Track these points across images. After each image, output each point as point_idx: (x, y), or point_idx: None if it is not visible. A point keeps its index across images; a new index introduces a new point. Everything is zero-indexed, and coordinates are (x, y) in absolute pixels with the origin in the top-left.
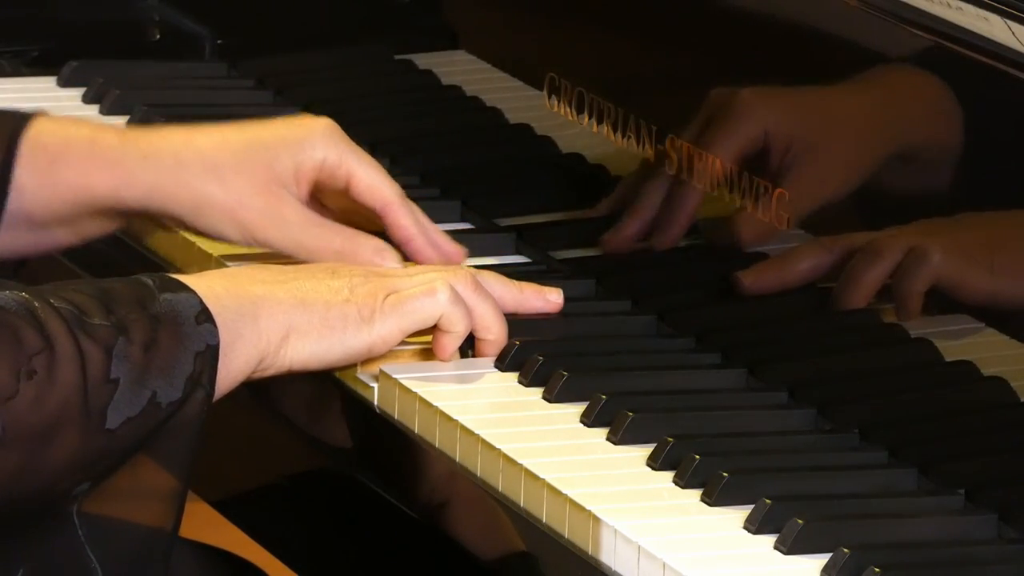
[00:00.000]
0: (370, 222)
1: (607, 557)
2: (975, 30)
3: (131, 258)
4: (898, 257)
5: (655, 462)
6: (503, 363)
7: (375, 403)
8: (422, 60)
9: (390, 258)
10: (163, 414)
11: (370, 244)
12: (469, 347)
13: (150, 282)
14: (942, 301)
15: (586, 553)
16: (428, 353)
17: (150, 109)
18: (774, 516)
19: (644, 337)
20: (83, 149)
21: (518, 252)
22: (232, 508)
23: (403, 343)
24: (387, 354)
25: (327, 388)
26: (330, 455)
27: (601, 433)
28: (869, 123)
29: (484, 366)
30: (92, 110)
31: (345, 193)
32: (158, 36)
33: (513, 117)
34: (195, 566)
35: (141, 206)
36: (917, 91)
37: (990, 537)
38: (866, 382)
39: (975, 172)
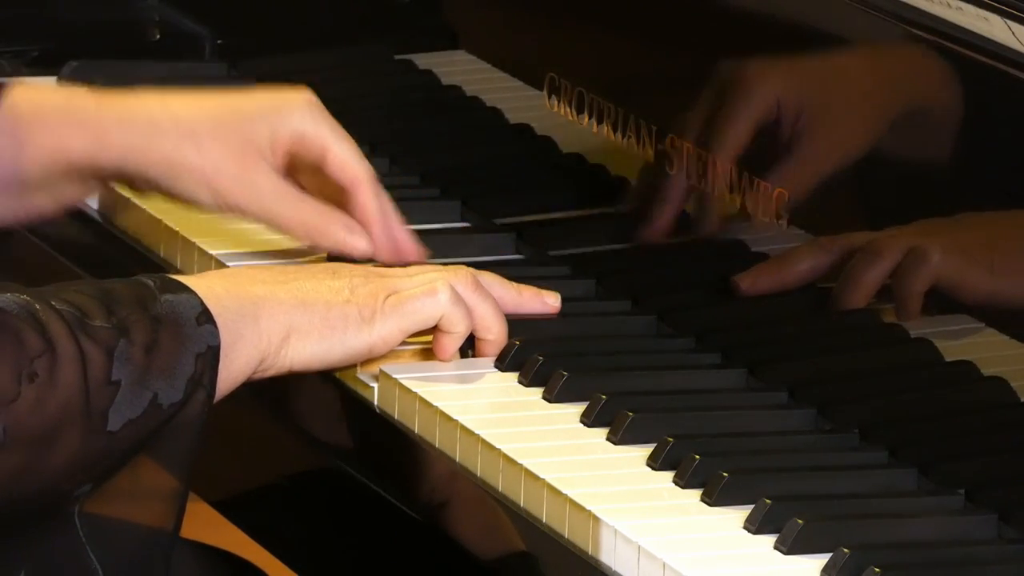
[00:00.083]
0: (340, 205)
1: (607, 557)
2: (975, 30)
3: (131, 258)
4: (898, 257)
5: (655, 462)
6: (503, 363)
7: (375, 403)
8: (422, 60)
9: (359, 236)
10: (164, 415)
11: (341, 220)
12: (469, 347)
13: (151, 283)
14: (942, 301)
15: (586, 553)
16: (428, 353)
17: None
18: (774, 516)
19: (644, 337)
20: (58, 114)
21: (518, 252)
22: (232, 508)
23: (403, 343)
24: (387, 354)
25: (327, 388)
26: (330, 455)
27: (601, 433)
28: (875, 86)
29: (484, 366)
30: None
31: (318, 171)
32: (158, 36)
33: (513, 117)
34: (195, 566)
35: (116, 169)
36: (919, 57)
37: (990, 537)
38: (866, 382)
39: (975, 172)
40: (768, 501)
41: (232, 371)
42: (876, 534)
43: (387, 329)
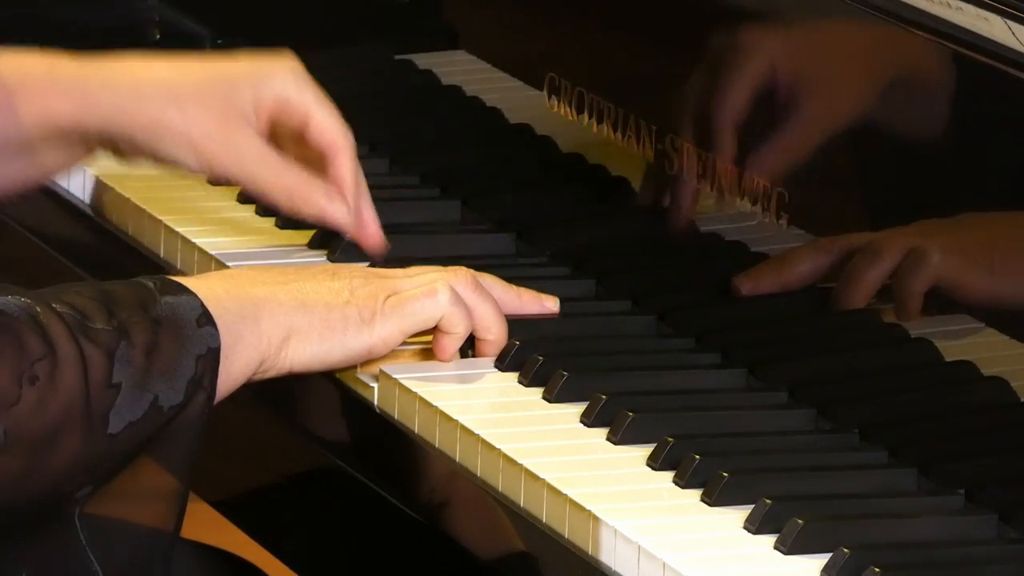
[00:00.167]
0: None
1: (607, 557)
2: (975, 30)
3: (131, 258)
4: (898, 257)
5: (655, 462)
6: (503, 363)
7: (375, 403)
8: (422, 60)
9: (339, 205)
10: (164, 417)
11: (322, 188)
12: (469, 347)
13: (151, 284)
14: (942, 301)
15: (586, 553)
16: (428, 353)
17: None
18: (774, 516)
19: (644, 337)
20: (42, 79)
21: (518, 252)
22: (232, 508)
23: (403, 343)
24: (387, 354)
25: (327, 388)
26: (330, 455)
27: (601, 433)
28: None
29: (484, 366)
30: None
31: (300, 141)
32: (158, 36)
33: (513, 117)
34: (195, 566)
35: (101, 133)
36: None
37: (990, 537)
38: (866, 382)
39: (975, 172)
40: (768, 501)
41: (232, 372)
42: (876, 534)
43: (387, 330)
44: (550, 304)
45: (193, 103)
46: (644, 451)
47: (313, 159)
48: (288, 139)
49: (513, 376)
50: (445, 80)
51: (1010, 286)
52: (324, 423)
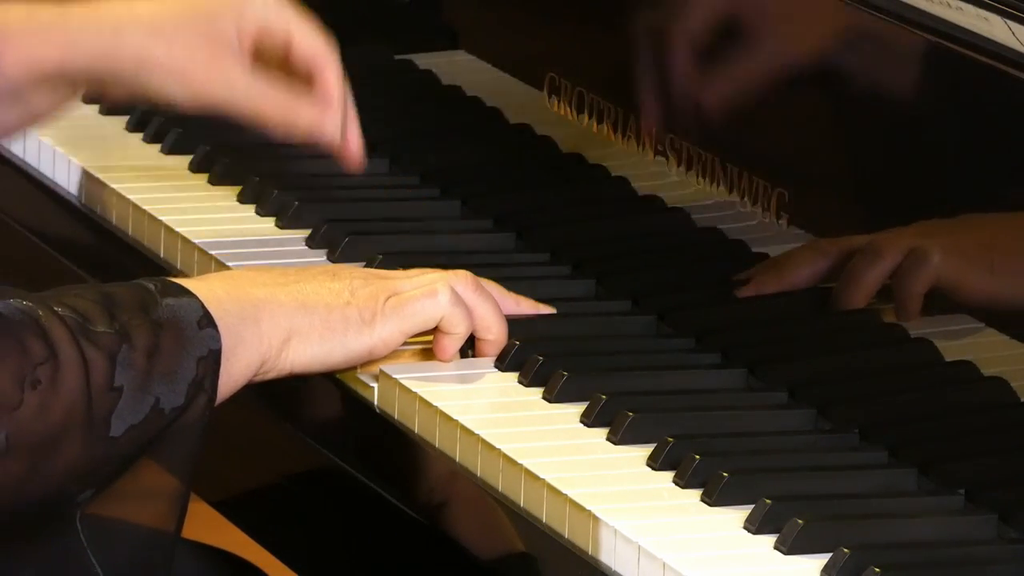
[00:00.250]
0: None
1: (607, 557)
2: (975, 30)
3: (131, 258)
4: (898, 258)
5: (655, 462)
6: (503, 363)
7: (375, 403)
8: (422, 60)
9: (330, 116)
10: (166, 420)
11: (311, 102)
12: (469, 347)
13: (152, 287)
14: (942, 301)
15: (586, 553)
16: (428, 353)
17: (149, 110)
18: (774, 516)
19: (644, 337)
20: (23, 27)
21: (518, 252)
22: (232, 508)
23: (404, 343)
24: (387, 354)
25: (327, 388)
26: (330, 455)
27: (601, 433)
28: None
29: (484, 366)
30: (92, 110)
31: (283, 66)
32: None
33: (513, 117)
34: (195, 566)
35: (87, 74)
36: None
37: (990, 537)
38: (866, 382)
39: (975, 172)
40: (768, 501)
41: (233, 374)
42: (876, 534)
43: (387, 331)
44: (547, 313)
45: (177, 36)
46: (644, 451)
47: (298, 83)
48: (273, 64)
49: (513, 376)
50: (445, 80)
51: (1010, 286)
52: (324, 423)
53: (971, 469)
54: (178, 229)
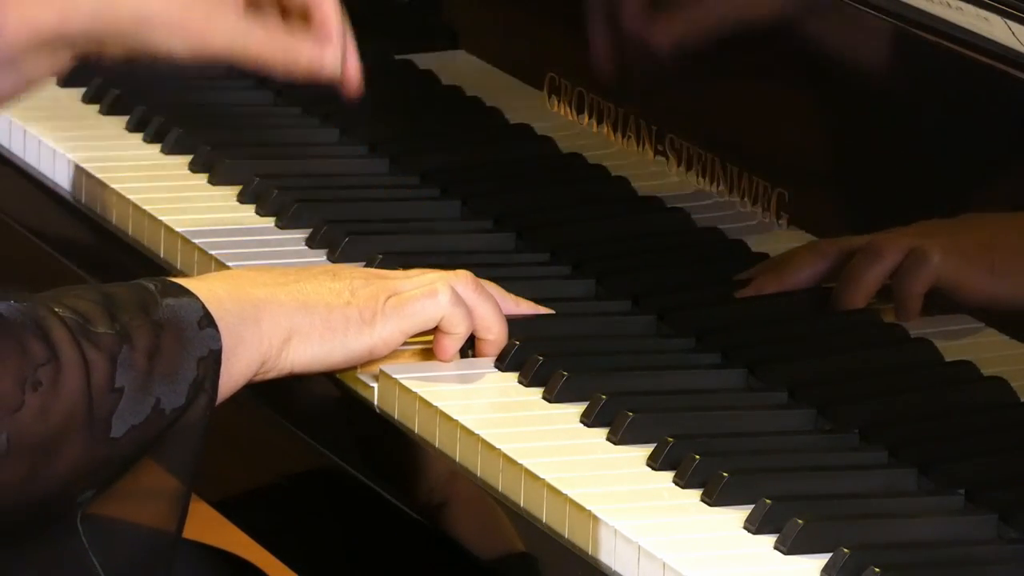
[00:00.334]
0: None
1: (607, 557)
2: (975, 30)
3: (131, 258)
4: (898, 258)
5: (655, 462)
6: (503, 363)
7: (375, 403)
8: (422, 60)
9: (331, 50)
10: (167, 420)
11: (310, 38)
12: (469, 347)
13: (152, 287)
14: (942, 301)
15: (586, 553)
16: (428, 353)
17: (150, 109)
18: (774, 516)
19: (644, 337)
20: None
21: (518, 252)
22: (232, 508)
23: (404, 343)
24: (388, 354)
25: (327, 388)
26: (330, 455)
27: (601, 433)
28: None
29: (484, 366)
30: (92, 110)
31: (277, 3)
32: None
33: (513, 117)
34: (195, 566)
35: (86, 35)
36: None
37: (990, 537)
38: (866, 382)
39: (975, 172)
40: (768, 501)
41: (233, 374)
42: (876, 534)
43: (388, 331)
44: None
45: None
46: (644, 451)
47: (295, 21)
48: (267, 4)
49: (513, 376)
50: (445, 80)
51: (1010, 286)
52: (324, 423)
53: (971, 469)
54: (178, 229)
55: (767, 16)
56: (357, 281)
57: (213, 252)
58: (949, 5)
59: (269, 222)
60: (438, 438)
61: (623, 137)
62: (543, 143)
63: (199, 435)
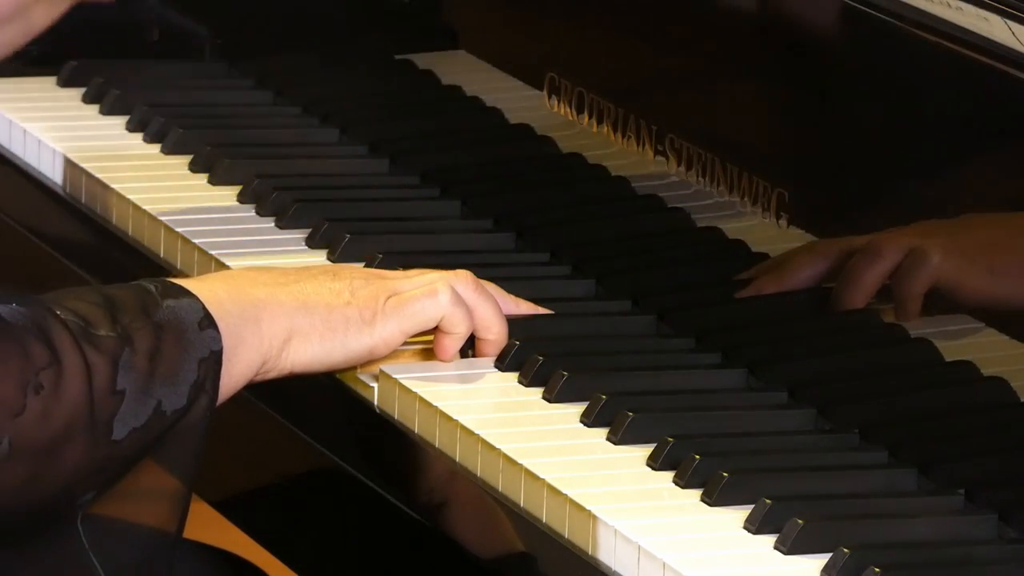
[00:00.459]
0: None
1: (607, 557)
2: (975, 30)
3: (131, 258)
4: (898, 258)
5: (655, 462)
6: (503, 363)
7: (375, 403)
8: (422, 60)
9: None
10: (168, 422)
11: None
12: (469, 347)
13: (152, 288)
14: (942, 301)
15: (586, 553)
16: (428, 353)
17: (150, 109)
18: (774, 516)
19: (644, 337)
20: None
21: (518, 252)
22: (232, 508)
23: (404, 343)
24: (388, 354)
25: (327, 388)
26: (330, 455)
27: (601, 433)
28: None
29: (484, 366)
30: (92, 110)
31: None
32: (158, 36)
33: (513, 117)
34: (195, 566)
35: None
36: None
37: (990, 537)
38: (866, 382)
39: (975, 172)
40: (768, 501)
41: (234, 375)
42: (876, 534)
43: (388, 331)
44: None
45: None
46: (644, 451)
47: None
48: None
49: (513, 376)
50: (445, 80)
51: (1010, 287)
52: (324, 423)
53: (971, 469)
54: (178, 229)
55: (767, 16)
56: (357, 281)
57: (213, 252)
58: (949, 5)
59: (269, 222)
60: (438, 438)
61: (623, 137)
62: (543, 143)
63: (200, 436)
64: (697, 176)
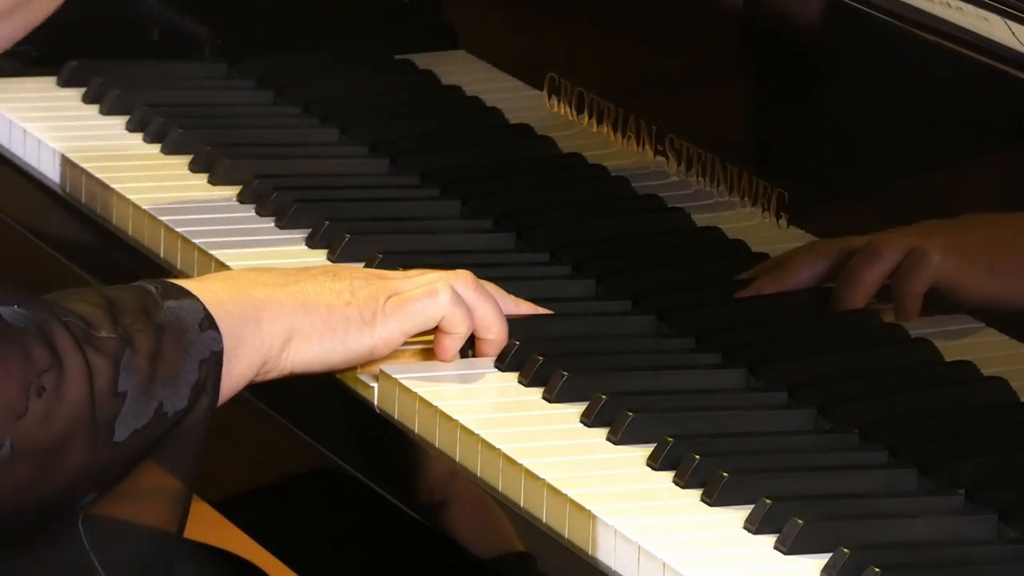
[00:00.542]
0: None
1: (607, 557)
2: (975, 30)
3: (131, 258)
4: (898, 257)
5: (655, 462)
6: (503, 363)
7: (375, 403)
8: (422, 60)
9: None
10: (169, 423)
11: None
12: (469, 347)
13: (152, 289)
14: (942, 301)
15: (586, 553)
16: (428, 353)
17: (150, 109)
18: (774, 516)
19: (644, 337)
20: None
21: (518, 252)
22: (232, 508)
23: (404, 343)
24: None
25: (327, 388)
26: (330, 455)
27: (601, 433)
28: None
29: (484, 366)
30: (92, 110)
31: None
32: (158, 36)
33: (513, 117)
34: (195, 566)
35: None
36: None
37: (990, 537)
38: (866, 382)
39: (975, 172)
40: (768, 501)
41: (234, 375)
42: (876, 534)
43: (388, 331)
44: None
45: None
46: (644, 451)
47: None
48: None
49: (513, 376)
50: (445, 80)
51: (1010, 286)
52: (324, 423)
53: (971, 469)
54: (178, 229)
55: (767, 16)
56: (357, 281)
57: (213, 252)
58: (949, 5)
59: (269, 222)
60: (438, 438)
61: (623, 137)
62: (543, 143)
63: (201, 436)
64: (697, 176)
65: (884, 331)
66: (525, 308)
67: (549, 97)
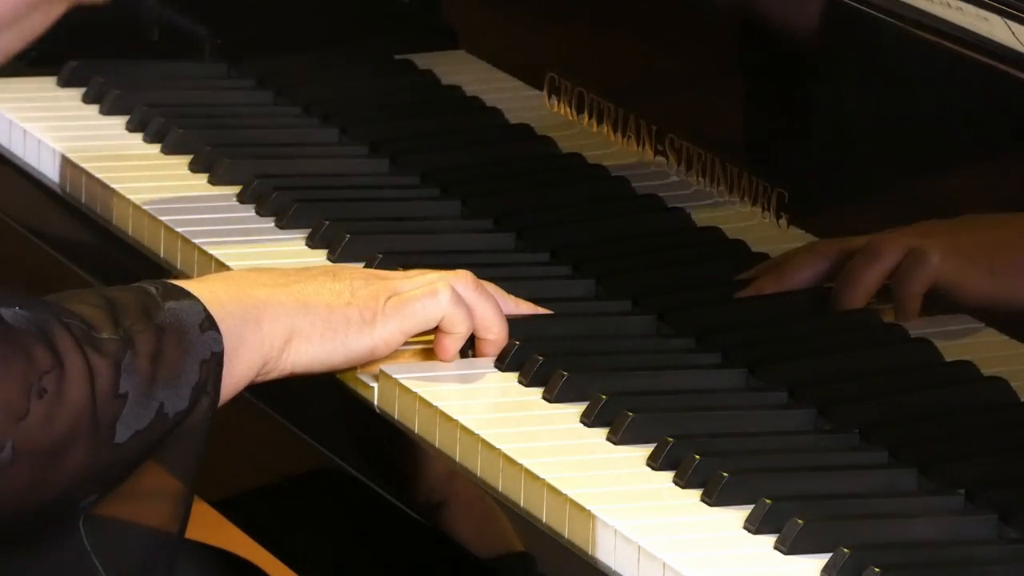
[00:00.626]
0: None
1: (607, 557)
2: (975, 30)
3: (132, 259)
4: (898, 257)
5: (655, 462)
6: (503, 363)
7: (375, 403)
8: (422, 60)
9: None
10: (170, 424)
11: None
12: (469, 347)
13: (153, 290)
14: (942, 301)
15: (586, 553)
16: (428, 353)
17: (150, 109)
18: (774, 516)
19: (644, 337)
20: None
21: (518, 252)
22: (232, 508)
23: (404, 343)
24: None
25: (327, 388)
26: (330, 455)
27: (601, 433)
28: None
29: (484, 366)
30: (92, 110)
31: None
32: (158, 36)
33: (513, 117)
34: (195, 566)
35: None
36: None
37: (990, 537)
38: (866, 382)
39: (975, 172)
40: (768, 501)
41: (235, 376)
42: (876, 534)
43: (388, 331)
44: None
45: None
46: (644, 451)
47: None
48: None
49: (513, 376)
50: (445, 80)
51: (1010, 286)
52: (324, 423)
53: (971, 469)
54: (178, 229)
55: (767, 15)
56: (357, 281)
57: (213, 252)
58: (949, 5)
59: (269, 222)
60: (438, 438)
61: (623, 137)
62: (543, 143)
63: (201, 437)
64: (697, 176)
65: (884, 331)
66: (525, 308)
67: (549, 97)
